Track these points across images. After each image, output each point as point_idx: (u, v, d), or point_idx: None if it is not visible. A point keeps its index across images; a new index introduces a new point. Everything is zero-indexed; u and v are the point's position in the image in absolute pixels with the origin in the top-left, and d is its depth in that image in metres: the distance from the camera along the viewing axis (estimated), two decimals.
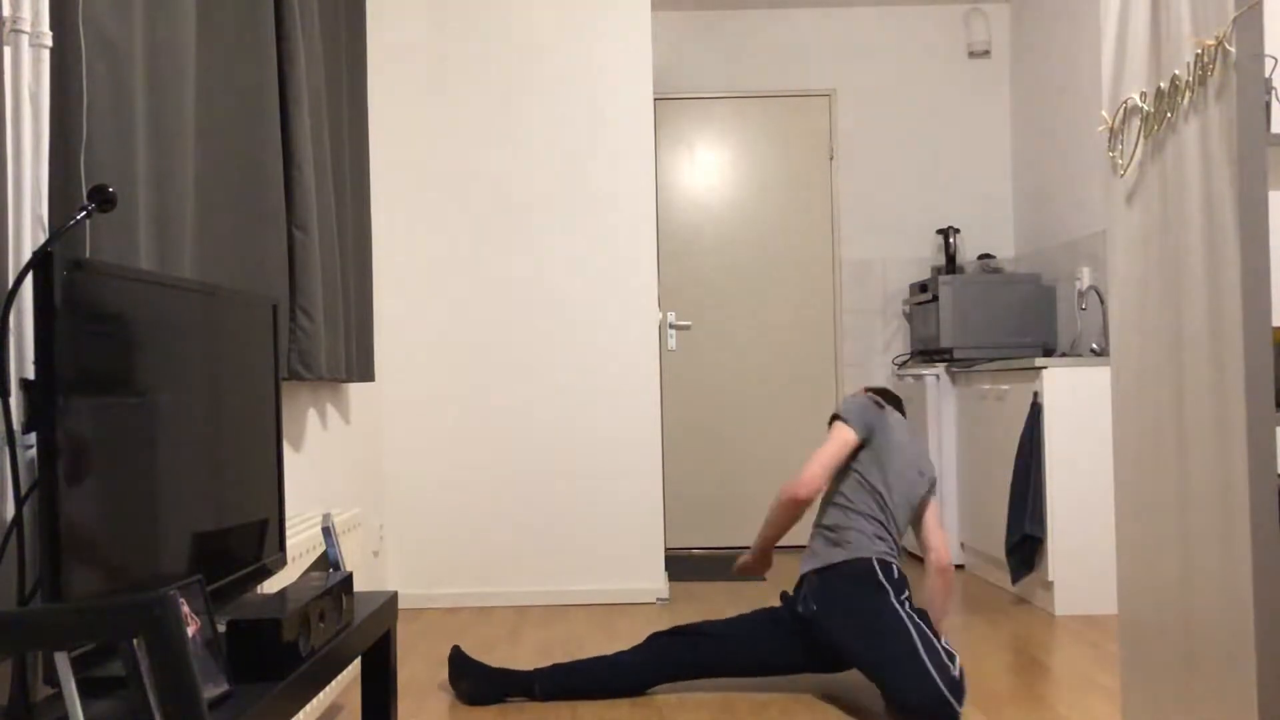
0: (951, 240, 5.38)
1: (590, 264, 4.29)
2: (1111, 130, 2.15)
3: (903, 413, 3.15)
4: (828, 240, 5.65)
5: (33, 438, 1.52)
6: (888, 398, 3.16)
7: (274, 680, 1.67)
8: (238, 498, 1.98)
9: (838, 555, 2.92)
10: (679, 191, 5.63)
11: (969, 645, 3.42)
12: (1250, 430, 1.67)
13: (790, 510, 3.00)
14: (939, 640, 2.71)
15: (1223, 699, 1.78)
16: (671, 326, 5.57)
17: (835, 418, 3.04)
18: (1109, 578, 3.79)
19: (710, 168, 5.64)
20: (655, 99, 5.45)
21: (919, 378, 4.96)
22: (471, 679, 2.89)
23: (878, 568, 2.86)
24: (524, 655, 3.41)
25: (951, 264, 5.38)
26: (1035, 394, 3.88)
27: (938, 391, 4.84)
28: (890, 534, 2.96)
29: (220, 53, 2.45)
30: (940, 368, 4.84)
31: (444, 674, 3.20)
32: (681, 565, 5.07)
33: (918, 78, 5.66)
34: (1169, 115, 1.91)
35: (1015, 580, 3.98)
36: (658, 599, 4.27)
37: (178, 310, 1.76)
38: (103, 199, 1.57)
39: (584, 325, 4.29)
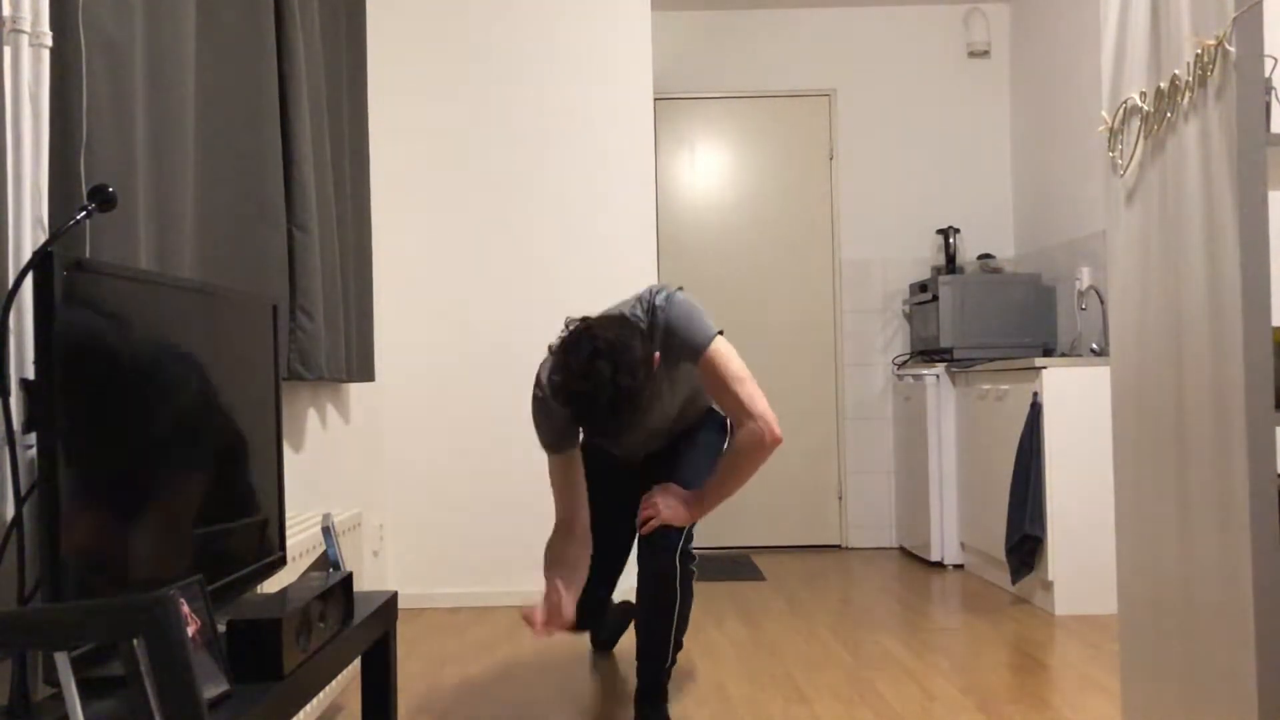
0: (951, 240, 5.38)
1: (590, 263, 4.29)
2: (1111, 130, 2.15)
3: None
4: (828, 240, 5.64)
5: (33, 438, 1.52)
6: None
7: (274, 680, 1.67)
8: (238, 498, 1.98)
9: None
10: (679, 191, 5.63)
11: (969, 645, 3.42)
12: (1250, 430, 1.67)
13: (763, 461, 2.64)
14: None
15: (1223, 698, 1.78)
16: None
17: (703, 345, 2.51)
18: (1109, 578, 3.79)
19: (710, 168, 5.64)
20: (655, 99, 5.45)
21: (919, 378, 4.96)
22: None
23: None
24: (524, 655, 3.41)
25: (951, 264, 5.38)
26: (1035, 394, 3.88)
27: (938, 391, 4.84)
28: None
29: (220, 53, 2.45)
30: (940, 368, 4.84)
31: (443, 674, 3.20)
32: None
33: (918, 78, 5.66)
34: (1169, 115, 1.91)
35: (1015, 580, 3.98)
36: None
37: (178, 310, 1.76)
38: (103, 199, 1.57)
39: None
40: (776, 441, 2.51)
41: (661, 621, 2.71)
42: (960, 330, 4.92)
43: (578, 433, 2.63)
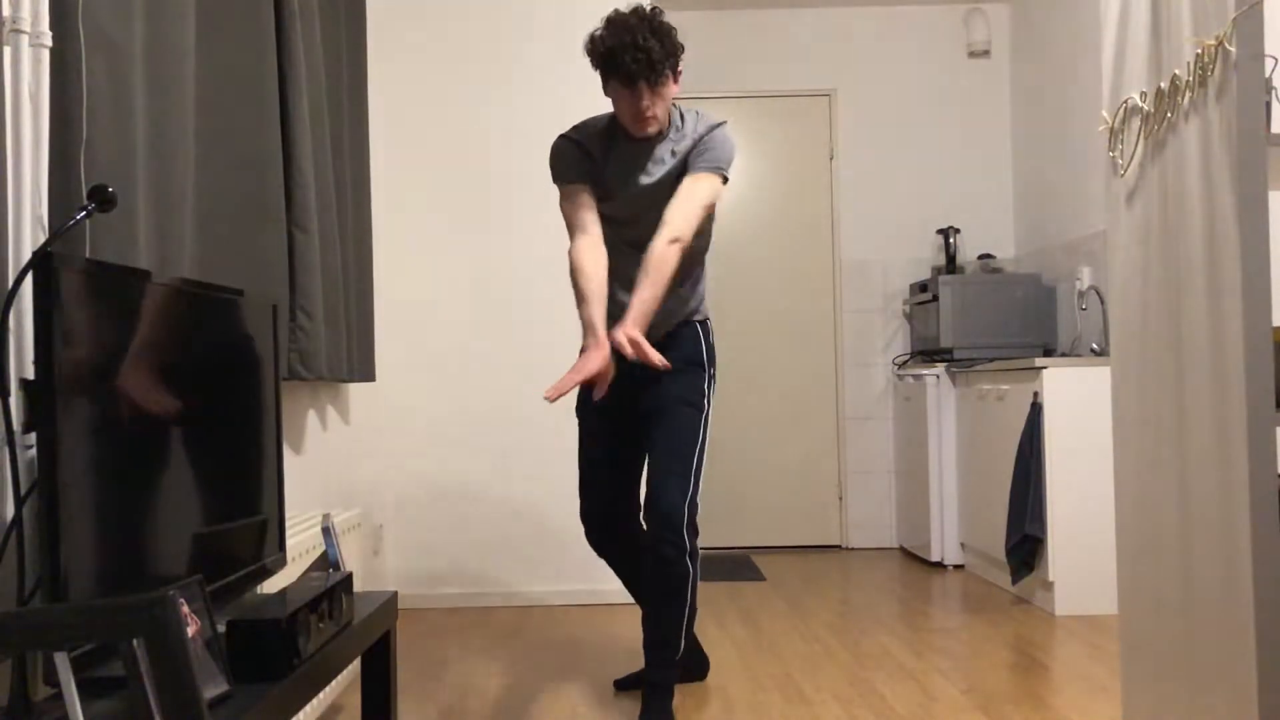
0: (951, 240, 5.38)
1: None
2: (1111, 130, 2.15)
3: None
4: (828, 240, 5.64)
5: (33, 438, 1.52)
6: None
7: (274, 680, 1.67)
8: (238, 498, 1.98)
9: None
10: None
11: (969, 645, 3.42)
12: (1250, 430, 1.67)
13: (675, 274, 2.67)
14: None
15: (1223, 698, 1.78)
16: None
17: (718, 166, 2.71)
18: (1109, 578, 3.79)
19: None
20: None
21: (919, 378, 4.96)
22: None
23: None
24: (524, 656, 3.41)
25: (951, 264, 5.38)
26: (1035, 394, 3.88)
27: (938, 391, 4.84)
28: None
29: (220, 52, 2.45)
30: (940, 368, 4.84)
31: (443, 674, 3.20)
32: None
33: (918, 78, 5.66)
34: (1169, 115, 1.91)
35: (1015, 580, 3.98)
36: None
37: (177, 310, 1.76)
38: (103, 199, 1.57)
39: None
40: (678, 259, 2.64)
41: (674, 602, 2.69)
42: (960, 330, 4.92)
43: (587, 167, 2.78)
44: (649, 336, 2.75)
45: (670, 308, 2.79)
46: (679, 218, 2.63)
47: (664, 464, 2.71)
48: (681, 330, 2.84)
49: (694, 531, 2.70)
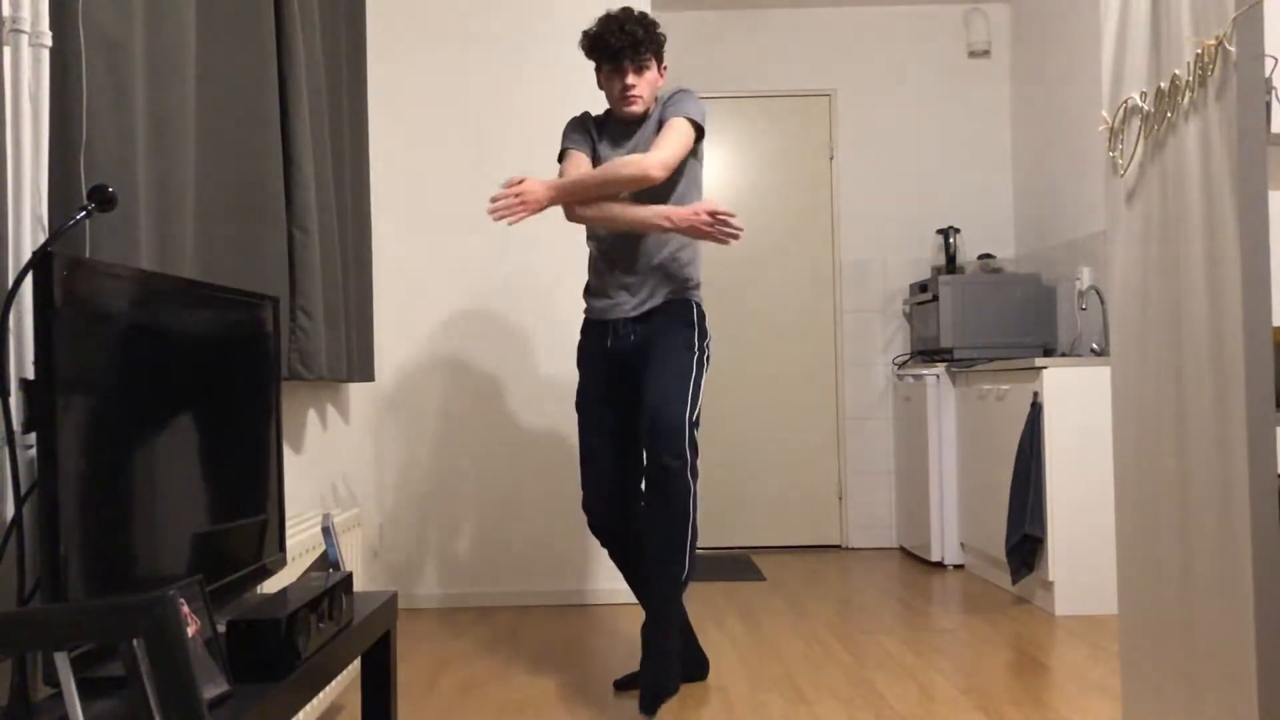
0: (951, 240, 5.38)
1: None
2: (1111, 130, 2.15)
3: None
4: (828, 240, 5.64)
5: (33, 438, 1.52)
6: None
7: (274, 680, 1.67)
8: (238, 498, 1.98)
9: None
10: None
11: (969, 645, 3.42)
12: (1250, 430, 1.67)
13: (629, 185, 2.84)
14: None
15: (1223, 699, 1.78)
16: None
17: (683, 114, 2.91)
18: (1109, 578, 3.79)
19: (710, 168, 5.63)
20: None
21: (919, 378, 4.96)
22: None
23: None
24: (524, 655, 3.41)
25: (951, 264, 5.38)
26: (1035, 394, 3.88)
27: (938, 391, 4.84)
28: None
29: (220, 53, 2.45)
30: (940, 368, 4.84)
31: (443, 674, 3.20)
32: None
33: (918, 78, 5.66)
34: (1169, 115, 1.91)
35: (1015, 580, 3.98)
36: None
37: (178, 310, 1.76)
38: (103, 199, 1.57)
39: None
40: (646, 179, 2.81)
41: (677, 517, 2.68)
42: (960, 330, 4.92)
43: (589, 145, 3.02)
44: (643, 306, 2.94)
45: (669, 271, 2.95)
46: (650, 150, 2.85)
47: (661, 386, 2.77)
48: (674, 304, 2.96)
49: (695, 449, 2.73)
